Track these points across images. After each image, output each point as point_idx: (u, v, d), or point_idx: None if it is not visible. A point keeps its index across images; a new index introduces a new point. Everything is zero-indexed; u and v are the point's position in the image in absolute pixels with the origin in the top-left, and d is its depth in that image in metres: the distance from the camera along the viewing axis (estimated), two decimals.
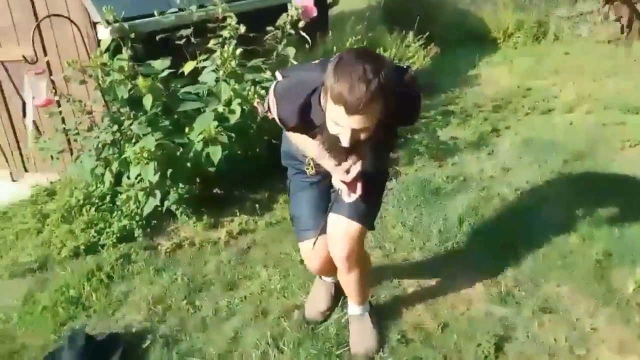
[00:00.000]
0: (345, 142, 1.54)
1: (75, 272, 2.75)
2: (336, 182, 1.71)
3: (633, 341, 2.06)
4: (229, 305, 2.44)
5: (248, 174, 3.53)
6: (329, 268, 2.06)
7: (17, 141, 4.13)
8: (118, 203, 3.26)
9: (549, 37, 6.94)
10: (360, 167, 1.64)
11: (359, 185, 1.69)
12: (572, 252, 2.61)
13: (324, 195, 2.02)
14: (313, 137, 1.76)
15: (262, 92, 3.33)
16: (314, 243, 1.96)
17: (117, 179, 3.33)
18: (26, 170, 4.20)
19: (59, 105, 3.51)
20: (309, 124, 1.72)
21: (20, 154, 4.17)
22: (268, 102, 1.85)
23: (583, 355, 2.02)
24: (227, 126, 3.15)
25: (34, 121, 3.89)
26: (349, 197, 1.71)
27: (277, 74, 1.84)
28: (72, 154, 3.72)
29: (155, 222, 3.17)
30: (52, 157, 3.56)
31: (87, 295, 2.59)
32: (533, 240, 2.73)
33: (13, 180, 4.23)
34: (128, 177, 3.16)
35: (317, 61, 1.81)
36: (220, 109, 3.20)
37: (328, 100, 1.51)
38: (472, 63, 6.20)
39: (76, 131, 3.42)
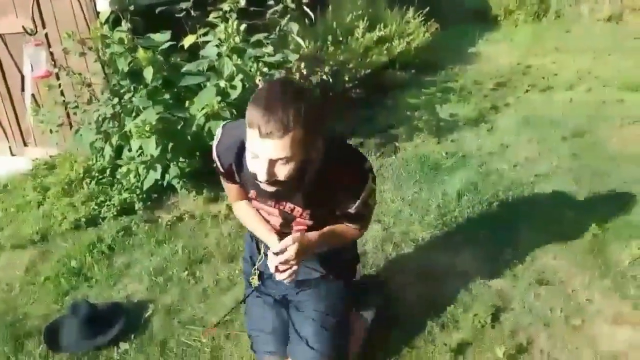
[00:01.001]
0: (261, 175, 1.36)
1: (76, 244, 2.78)
2: (270, 260, 1.53)
3: (628, 313, 2.10)
4: (230, 277, 2.47)
5: None
6: None
7: (16, 115, 4.10)
8: (118, 176, 3.27)
9: (550, 15, 6.88)
10: (295, 249, 1.48)
11: (292, 270, 1.53)
12: (569, 227, 2.64)
13: (282, 318, 1.82)
14: (243, 186, 1.64)
15: (265, 68, 3.32)
16: None
17: (117, 152, 3.33)
18: (25, 145, 4.19)
19: (58, 78, 3.49)
20: (240, 167, 1.57)
21: (20, 128, 4.15)
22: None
23: (578, 326, 2.05)
24: (228, 101, 3.14)
25: (32, 94, 3.87)
26: (278, 276, 1.54)
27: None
28: (71, 127, 3.71)
29: (155, 195, 3.19)
30: (50, 130, 3.55)
31: (88, 266, 2.62)
32: (530, 215, 2.75)
33: (12, 155, 4.22)
34: (129, 151, 3.16)
35: None
36: (222, 84, 3.19)
37: (247, 130, 1.35)
38: (472, 40, 6.17)
39: (75, 104, 3.41)
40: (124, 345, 2.12)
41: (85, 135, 3.35)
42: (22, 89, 3.95)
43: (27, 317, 2.33)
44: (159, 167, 3.13)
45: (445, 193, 3.03)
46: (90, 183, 3.24)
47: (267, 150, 1.32)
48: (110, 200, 3.10)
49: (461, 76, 5.01)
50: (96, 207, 3.06)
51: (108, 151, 3.32)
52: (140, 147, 3.05)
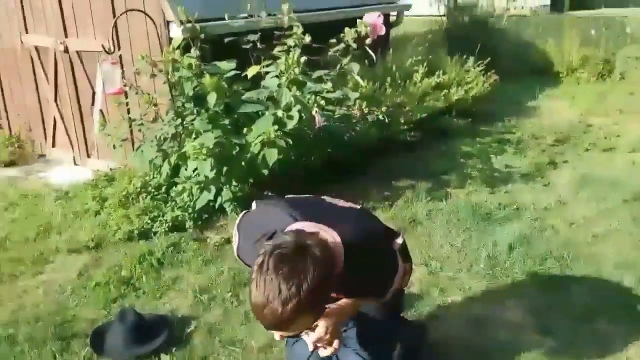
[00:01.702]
0: (277, 337, 1.40)
1: (128, 255, 2.86)
2: (307, 339, 1.55)
3: None
4: None
5: (299, 181, 3.57)
6: None
7: (84, 128, 4.33)
8: (173, 194, 3.37)
9: (615, 76, 6.77)
10: (324, 326, 1.49)
11: (333, 348, 1.54)
12: (627, 293, 2.52)
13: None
14: None
15: (322, 102, 3.39)
16: None
17: (175, 171, 3.44)
18: (89, 156, 4.39)
19: (127, 97, 3.67)
20: None
21: (85, 141, 4.37)
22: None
23: None
24: (284, 131, 3.22)
25: (101, 110, 4.09)
26: (321, 353, 1.57)
27: (254, 203, 1.74)
28: (133, 144, 3.88)
29: (206, 216, 3.26)
30: (114, 146, 3.72)
31: (137, 277, 2.69)
32: (585, 277, 2.65)
33: (76, 165, 4.43)
34: (186, 170, 3.27)
35: (285, 201, 1.68)
36: (280, 114, 3.28)
37: None
38: (533, 95, 6.12)
39: (141, 122, 3.56)
40: (165, 358, 2.15)
41: (146, 152, 3.48)
42: (92, 104, 4.18)
43: (76, 319, 2.40)
44: (213, 189, 3.22)
45: (496, 244, 2.97)
46: (146, 198, 3.35)
47: (275, 333, 1.36)
48: (163, 217, 3.19)
49: (519, 129, 4.95)
50: (149, 222, 3.16)
51: (166, 169, 3.44)
52: (196, 169, 3.15)
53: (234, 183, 3.29)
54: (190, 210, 3.24)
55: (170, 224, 3.14)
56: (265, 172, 3.24)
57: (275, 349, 2.18)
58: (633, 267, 2.71)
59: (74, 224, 3.22)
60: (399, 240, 1.67)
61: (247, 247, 1.57)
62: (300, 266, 1.26)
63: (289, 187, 3.53)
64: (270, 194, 3.67)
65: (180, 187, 3.31)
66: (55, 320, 2.38)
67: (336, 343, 1.54)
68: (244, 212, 1.74)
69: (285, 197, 1.80)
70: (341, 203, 1.73)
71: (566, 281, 2.64)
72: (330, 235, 1.42)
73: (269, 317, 1.26)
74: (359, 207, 1.75)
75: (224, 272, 2.72)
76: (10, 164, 4.39)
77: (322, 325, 1.48)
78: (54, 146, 4.61)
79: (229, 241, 3.03)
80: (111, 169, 3.87)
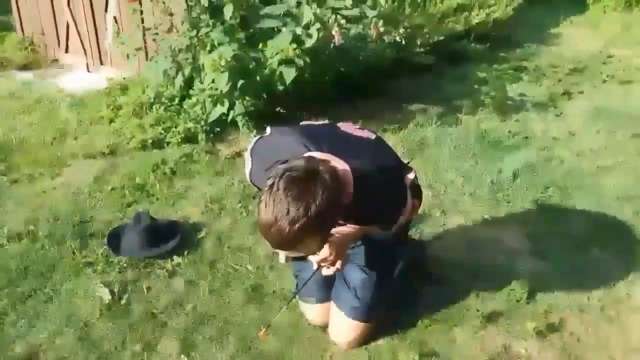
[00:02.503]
0: (282, 259, 1.49)
1: (142, 163, 2.95)
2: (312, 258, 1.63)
3: None
4: None
5: (312, 99, 3.58)
6: None
7: (97, 34, 4.28)
8: (186, 106, 3.40)
9: None
10: (327, 249, 1.57)
11: (335, 268, 1.63)
12: (624, 222, 2.60)
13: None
14: None
15: (342, 21, 3.33)
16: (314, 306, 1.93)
17: (187, 83, 3.45)
18: (101, 64, 4.38)
19: (141, 4, 3.62)
20: None
21: (98, 47, 4.34)
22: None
23: (613, 316, 2.06)
24: (302, 49, 3.19)
25: (114, 17, 4.03)
26: (323, 271, 1.66)
27: (268, 128, 1.76)
28: (147, 53, 3.86)
29: (218, 129, 3.31)
30: (128, 55, 3.71)
31: (151, 184, 2.79)
32: (586, 206, 2.72)
33: (89, 71, 4.44)
34: (201, 82, 3.28)
35: (300, 129, 1.69)
36: (299, 31, 3.23)
37: None
38: (556, 21, 5.92)
39: (155, 32, 3.53)
40: (177, 259, 2.27)
41: (160, 63, 3.48)
42: (105, 10, 4.12)
43: (93, 220, 2.52)
44: (226, 102, 3.24)
45: (501, 171, 3.01)
46: (159, 109, 3.39)
47: (280, 252, 1.44)
48: (175, 127, 3.24)
49: (537, 56, 4.85)
50: (162, 132, 3.21)
51: (179, 81, 3.45)
52: (213, 81, 3.16)
53: (248, 98, 3.30)
54: (203, 123, 3.28)
55: (183, 136, 3.19)
56: (281, 88, 3.25)
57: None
58: (633, 199, 2.77)
59: (89, 130, 3.29)
60: (411, 176, 1.72)
61: (260, 172, 1.62)
62: (309, 189, 1.31)
63: (301, 104, 3.60)
64: (282, 111, 3.72)
65: (194, 99, 3.33)
66: (74, 219, 2.50)
67: (339, 264, 1.63)
68: (258, 137, 1.77)
69: (300, 124, 1.84)
70: (356, 132, 1.75)
71: (566, 210, 2.70)
72: (341, 164, 1.47)
73: (276, 236, 1.32)
74: (373, 136, 1.77)
75: (234, 183, 2.81)
76: (25, 67, 4.40)
77: (326, 246, 1.54)
78: (66, 51, 4.59)
79: (239, 154, 3.10)
80: (124, 78, 3.88)
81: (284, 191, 1.30)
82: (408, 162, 1.87)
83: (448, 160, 3.13)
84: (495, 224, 2.58)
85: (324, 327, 1.94)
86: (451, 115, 3.68)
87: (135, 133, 3.18)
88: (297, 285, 1.98)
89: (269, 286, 2.15)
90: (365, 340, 1.89)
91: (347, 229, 1.65)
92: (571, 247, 2.44)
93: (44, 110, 3.56)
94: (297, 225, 1.29)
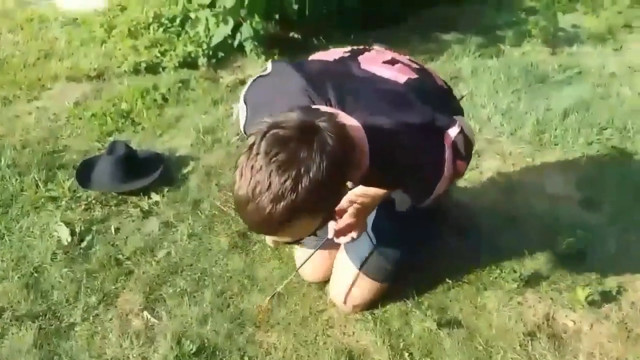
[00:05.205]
0: (269, 242, 1.17)
1: (131, 88, 2.64)
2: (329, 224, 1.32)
3: None
4: None
5: (330, 26, 3.20)
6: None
7: None
8: (187, 29, 3.03)
9: None
10: (350, 214, 1.32)
11: (351, 236, 1.33)
12: None
13: None
14: None
15: None
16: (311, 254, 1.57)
17: (191, 1, 3.07)
18: None
19: None
20: None
21: None
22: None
23: None
24: None
25: None
26: (339, 239, 1.35)
27: (268, 63, 1.34)
28: None
29: (222, 54, 2.95)
30: None
31: (138, 111, 2.48)
32: None
33: None
34: None
35: (306, 69, 1.28)
36: None
37: None
38: None
39: None
40: (155, 197, 1.98)
41: None
42: None
43: (67, 149, 2.24)
44: (230, 21, 2.85)
45: (549, 108, 2.58)
46: (157, 29, 3.05)
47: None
48: (174, 50, 2.91)
49: None
50: (159, 55, 2.89)
51: None
52: None
53: (257, 19, 2.90)
54: (205, 47, 2.93)
55: (181, 59, 2.85)
56: (295, 7, 2.85)
57: None
58: None
59: (78, 52, 2.97)
60: (453, 131, 1.21)
61: (253, 126, 1.22)
62: (301, 153, 0.93)
63: (318, 31, 3.19)
64: (297, 36, 3.32)
65: (194, 15, 2.97)
66: (45, 148, 2.22)
67: (355, 233, 1.33)
68: (256, 76, 1.35)
69: (311, 57, 1.41)
70: (383, 68, 1.29)
71: (625, 154, 2.30)
72: (351, 121, 1.09)
73: (253, 217, 0.96)
74: (404, 78, 1.28)
75: (233, 114, 2.46)
76: None
77: (348, 215, 1.32)
78: None
79: (243, 82, 2.74)
80: None
81: (266, 156, 0.93)
82: (462, 97, 1.42)
83: (485, 96, 2.71)
84: (539, 169, 2.21)
85: (321, 284, 1.60)
86: (492, 46, 3.23)
87: (128, 55, 2.86)
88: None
89: (255, 236, 1.83)
90: (368, 305, 1.56)
91: (371, 193, 1.34)
92: (631, 198, 2.05)
93: (33, 30, 3.23)
94: (281, 204, 0.93)
